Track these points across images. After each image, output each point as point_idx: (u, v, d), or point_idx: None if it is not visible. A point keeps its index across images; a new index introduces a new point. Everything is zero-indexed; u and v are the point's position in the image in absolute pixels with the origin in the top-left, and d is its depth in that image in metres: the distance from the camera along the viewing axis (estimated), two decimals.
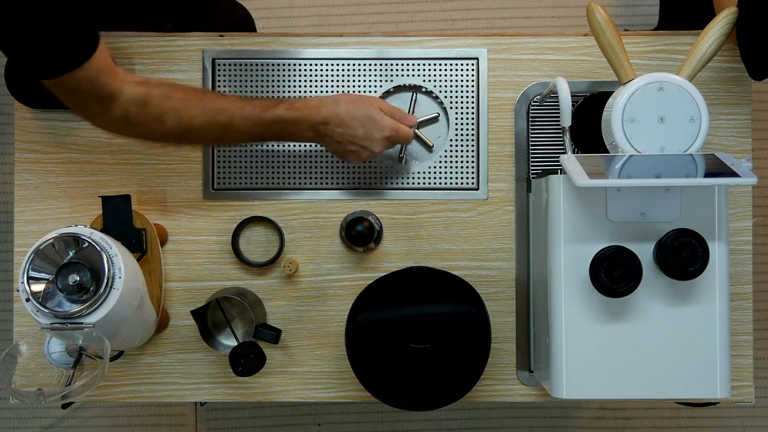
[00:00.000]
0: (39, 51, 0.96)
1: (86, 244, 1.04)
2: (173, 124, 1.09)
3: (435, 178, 1.27)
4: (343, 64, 1.28)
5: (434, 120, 1.28)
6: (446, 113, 1.28)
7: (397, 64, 1.28)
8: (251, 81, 1.28)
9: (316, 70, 1.28)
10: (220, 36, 1.28)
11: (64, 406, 1.26)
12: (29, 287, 1.02)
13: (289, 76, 1.28)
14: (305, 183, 1.27)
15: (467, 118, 1.28)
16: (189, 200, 1.27)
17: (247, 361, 1.16)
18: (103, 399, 1.28)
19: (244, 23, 1.64)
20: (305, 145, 1.27)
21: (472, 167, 1.27)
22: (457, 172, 1.27)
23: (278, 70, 1.28)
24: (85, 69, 0.99)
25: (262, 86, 1.28)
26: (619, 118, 1.08)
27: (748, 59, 1.16)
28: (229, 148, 1.27)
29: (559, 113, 1.13)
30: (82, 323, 1.02)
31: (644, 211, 1.05)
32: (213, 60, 1.28)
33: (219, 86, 1.28)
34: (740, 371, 1.25)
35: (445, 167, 1.27)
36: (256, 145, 1.27)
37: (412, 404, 1.17)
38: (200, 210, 1.27)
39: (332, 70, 1.28)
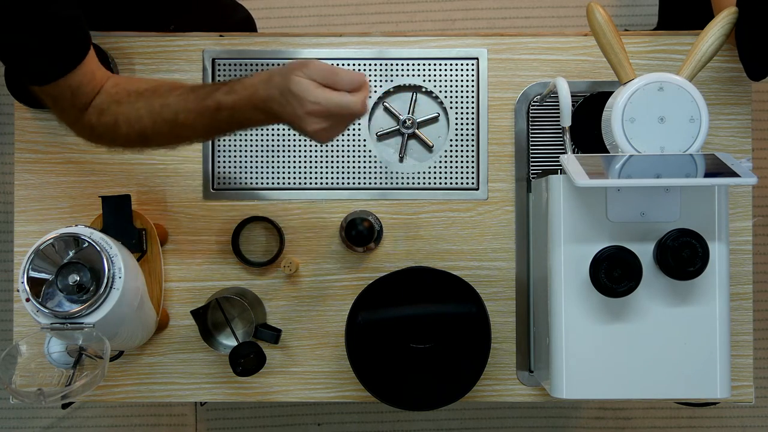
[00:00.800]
0: (27, 58, 0.96)
1: (86, 244, 1.04)
2: (126, 129, 1.03)
3: (435, 178, 1.27)
4: (343, 64, 1.28)
5: (434, 120, 1.28)
6: (446, 113, 1.28)
7: (397, 64, 1.28)
8: None
9: None
10: (220, 36, 1.28)
11: (64, 406, 1.26)
12: (29, 287, 1.02)
13: None
14: (305, 183, 1.27)
15: (467, 118, 1.28)
16: (189, 200, 1.27)
17: (247, 361, 1.16)
18: (103, 399, 1.28)
19: (246, 25, 1.65)
20: (305, 145, 1.27)
21: (472, 167, 1.27)
22: (457, 172, 1.27)
23: None
24: (69, 78, 0.99)
25: None
26: (619, 118, 1.08)
27: (746, 59, 1.16)
28: (228, 148, 1.27)
29: (559, 113, 1.13)
30: (82, 323, 1.02)
31: (644, 211, 1.05)
32: (213, 60, 1.28)
33: None
34: (740, 371, 1.25)
35: (445, 167, 1.27)
36: (256, 144, 1.27)
37: (412, 404, 1.17)
38: (200, 210, 1.27)
39: None
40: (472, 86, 1.28)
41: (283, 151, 1.27)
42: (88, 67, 1.02)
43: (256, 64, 1.28)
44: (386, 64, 1.28)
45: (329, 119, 0.96)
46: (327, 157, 1.27)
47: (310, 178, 1.27)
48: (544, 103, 1.27)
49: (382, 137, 1.28)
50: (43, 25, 0.94)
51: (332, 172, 1.27)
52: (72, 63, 0.98)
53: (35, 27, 0.94)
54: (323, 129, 0.96)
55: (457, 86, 1.28)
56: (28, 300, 1.02)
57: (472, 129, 1.28)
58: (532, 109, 1.27)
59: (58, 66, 0.98)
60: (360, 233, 1.21)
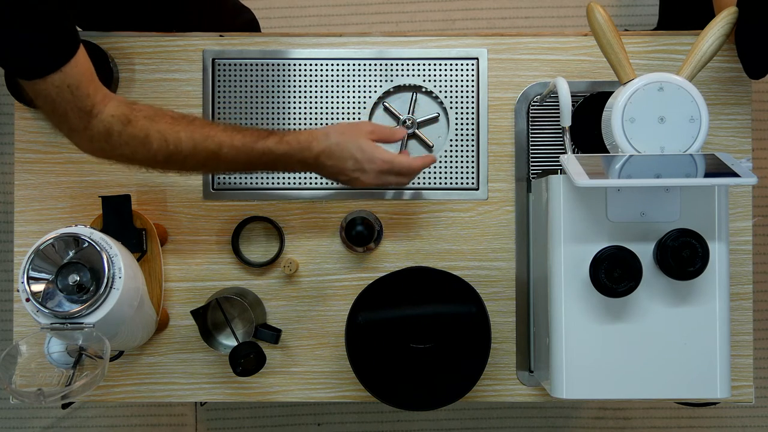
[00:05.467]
0: (18, 50, 0.95)
1: (86, 244, 1.04)
2: (158, 146, 1.05)
3: (435, 178, 1.27)
4: (343, 64, 1.28)
5: (434, 120, 1.28)
6: (446, 113, 1.28)
7: (397, 64, 1.28)
8: (251, 81, 1.28)
9: (316, 70, 1.28)
10: (220, 36, 1.28)
11: (64, 406, 1.26)
12: (29, 287, 1.02)
13: (289, 76, 1.28)
14: (305, 183, 1.27)
15: (467, 118, 1.28)
16: (189, 200, 1.27)
17: (247, 361, 1.16)
18: (103, 399, 1.28)
19: (250, 27, 1.64)
20: None
21: (472, 167, 1.27)
22: (457, 172, 1.27)
23: (278, 70, 1.28)
24: (65, 74, 0.97)
25: (262, 86, 1.28)
26: (619, 118, 1.08)
27: (745, 58, 1.16)
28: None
29: (559, 113, 1.13)
30: (82, 323, 1.02)
31: (644, 211, 1.05)
32: (213, 60, 1.28)
33: (219, 86, 1.28)
34: (740, 371, 1.25)
35: (445, 167, 1.27)
36: None
37: (412, 404, 1.16)
38: (200, 210, 1.27)
39: (332, 70, 1.28)
40: (472, 86, 1.28)
41: None
42: (84, 67, 1.00)
43: (256, 64, 1.28)
44: (386, 64, 1.28)
45: (389, 174, 1.13)
46: None
47: (310, 178, 1.27)
48: (544, 103, 1.27)
49: None
50: (31, 19, 0.93)
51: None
52: (63, 56, 0.97)
53: (23, 21, 0.92)
54: (379, 185, 1.13)
55: (457, 86, 1.28)
56: (28, 300, 1.02)
57: (472, 129, 1.28)
58: (532, 109, 1.27)
59: (49, 58, 0.96)
60: (360, 233, 1.21)
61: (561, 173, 1.05)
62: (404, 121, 1.27)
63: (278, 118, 1.28)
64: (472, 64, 1.28)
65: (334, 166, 1.10)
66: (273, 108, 1.28)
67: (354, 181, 1.12)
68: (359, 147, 1.10)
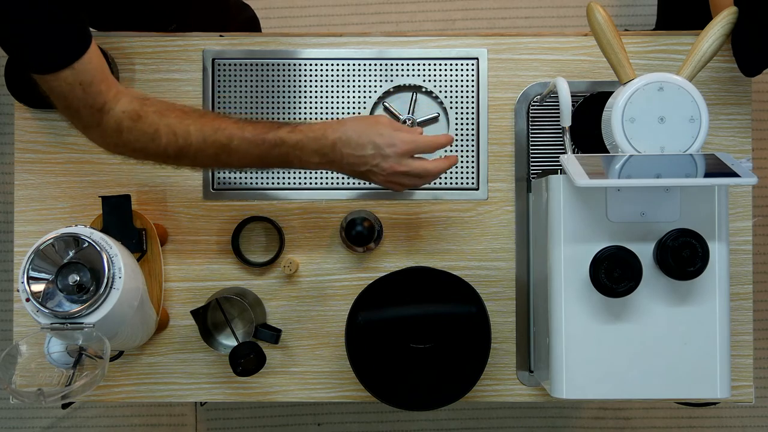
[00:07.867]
0: (30, 44, 0.95)
1: (86, 244, 1.04)
2: (167, 140, 1.04)
3: None
4: (343, 64, 1.28)
5: (434, 120, 1.28)
6: (446, 113, 1.28)
7: (397, 64, 1.28)
8: (251, 81, 1.28)
9: (316, 70, 1.28)
10: (220, 36, 1.28)
11: (64, 406, 1.26)
12: (29, 287, 1.02)
13: (289, 76, 1.28)
14: (305, 183, 1.27)
15: (467, 118, 1.28)
16: (189, 200, 1.27)
17: (247, 361, 1.16)
18: (103, 399, 1.28)
19: (250, 24, 1.64)
20: None
21: (472, 167, 1.27)
22: (457, 172, 1.27)
23: (278, 70, 1.28)
24: (76, 71, 0.98)
25: (261, 86, 1.28)
26: (619, 118, 1.08)
27: (740, 55, 1.16)
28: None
29: (559, 113, 1.13)
30: (82, 323, 1.02)
31: (644, 211, 1.05)
32: (213, 60, 1.28)
33: (219, 86, 1.28)
34: (740, 371, 1.25)
35: None
36: None
37: (412, 404, 1.17)
38: (200, 210, 1.27)
39: (332, 70, 1.28)
40: (472, 86, 1.28)
41: None
42: (96, 64, 1.00)
43: (256, 64, 1.28)
44: (386, 64, 1.28)
45: (406, 177, 1.08)
46: None
47: (310, 178, 1.27)
48: (544, 103, 1.27)
49: None
50: (44, 14, 0.93)
51: (332, 172, 1.27)
52: (74, 53, 0.97)
53: (36, 16, 0.93)
54: (399, 171, 1.08)
55: (457, 86, 1.28)
56: (28, 300, 1.02)
57: (472, 129, 1.28)
58: (532, 109, 1.27)
59: (61, 54, 0.97)
60: (360, 233, 1.21)
61: (561, 173, 1.05)
62: (404, 122, 1.27)
63: (278, 119, 1.27)
64: (472, 64, 1.28)
65: (352, 155, 1.06)
66: (273, 108, 1.28)
67: (374, 172, 1.07)
68: (378, 132, 1.06)
